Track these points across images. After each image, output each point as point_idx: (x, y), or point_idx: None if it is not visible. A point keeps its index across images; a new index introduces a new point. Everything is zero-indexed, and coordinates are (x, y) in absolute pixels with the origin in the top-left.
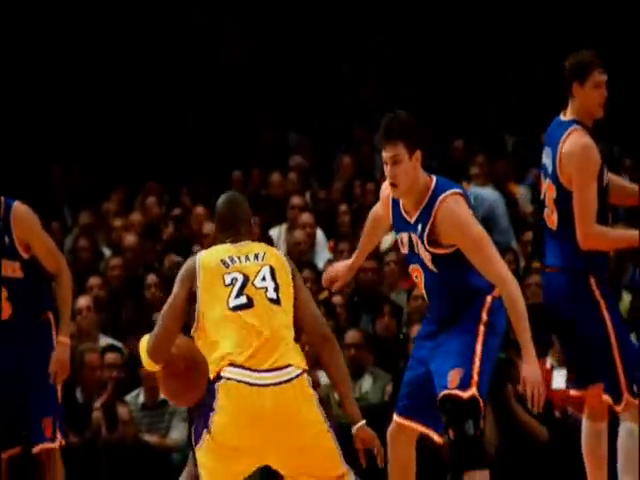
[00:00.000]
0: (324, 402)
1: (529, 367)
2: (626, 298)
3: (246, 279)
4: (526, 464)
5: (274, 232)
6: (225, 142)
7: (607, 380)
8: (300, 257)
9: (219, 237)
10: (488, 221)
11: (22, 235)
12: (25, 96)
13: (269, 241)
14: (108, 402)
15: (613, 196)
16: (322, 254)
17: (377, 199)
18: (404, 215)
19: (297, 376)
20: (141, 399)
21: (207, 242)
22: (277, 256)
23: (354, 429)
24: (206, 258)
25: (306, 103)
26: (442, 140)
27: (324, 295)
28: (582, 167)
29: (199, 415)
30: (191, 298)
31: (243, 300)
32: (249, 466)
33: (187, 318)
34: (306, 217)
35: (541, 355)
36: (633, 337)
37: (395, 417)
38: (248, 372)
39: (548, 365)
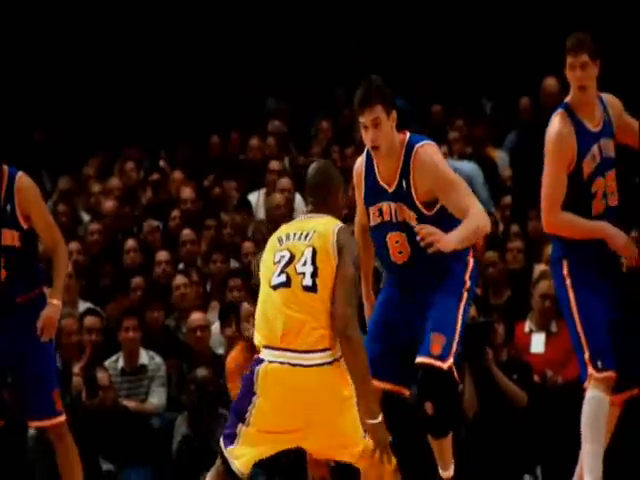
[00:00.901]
0: None
1: (449, 236)
2: None
3: (291, 258)
4: (505, 428)
5: (253, 197)
6: (204, 107)
7: (578, 356)
8: (280, 221)
9: (306, 202)
10: None
11: (24, 205)
12: (4, 61)
13: (247, 206)
14: (87, 366)
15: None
16: None
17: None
18: (382, 185)
19: (337, 360)
20: (120, 364)
21: (185, 207)
22: (324, 236)
23: (366, 424)
24: (272, 236)
25: (285, 68)
26: (421, 104)
27: None
28: (549, 152)
29: (234, 410)
30: None
31: (283, 279)
32: (282, 447)
33: None
34: (285, 182)
35: (520, 319)
36: None
37: None
38: (288, 353)
39: (527, 329)
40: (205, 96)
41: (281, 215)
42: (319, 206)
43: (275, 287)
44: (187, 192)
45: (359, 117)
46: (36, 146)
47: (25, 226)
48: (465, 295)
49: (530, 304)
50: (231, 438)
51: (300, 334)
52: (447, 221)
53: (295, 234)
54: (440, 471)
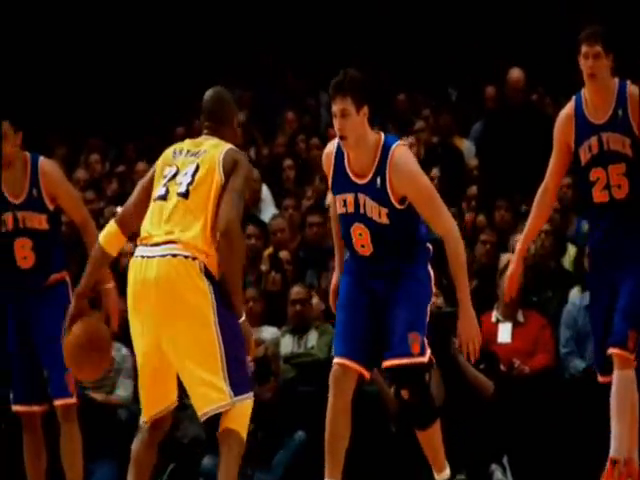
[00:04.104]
0: (270, 357)
1: (465, 322)
2: (571, 250)
3: (176, 173)
4: (472, 418)
5: None
6: (169, 98)
7: None
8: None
9: (201, 126)
10: None
11: (49, 188)
12: None
13: None
14: None
15: None
16: (268, 210)
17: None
18: (352, 177)
19: (186, 257)
20: None
21: None
22: (211, 154)
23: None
24: (168, 149)
25: (249, 58)
26: (385, 93)
27: (269, 251)
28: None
29: None
30: None
31: (162, 192)
32: (153, 347)
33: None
34: None
35: (487, 309)
36: (577, 289)
37: (339, 360)
38: (143, 247)
39: (493, 319)
40: (170, 86)
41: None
42: (214, 130)
43: (155, 199)
44: None
45: (332, 104)
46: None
47: (51, 207)
48: (431, 287)
49: (497, 294)
50: None
51: (158, 231)
52: (416, 213)
53: (189, 151)
54: (435, 475)
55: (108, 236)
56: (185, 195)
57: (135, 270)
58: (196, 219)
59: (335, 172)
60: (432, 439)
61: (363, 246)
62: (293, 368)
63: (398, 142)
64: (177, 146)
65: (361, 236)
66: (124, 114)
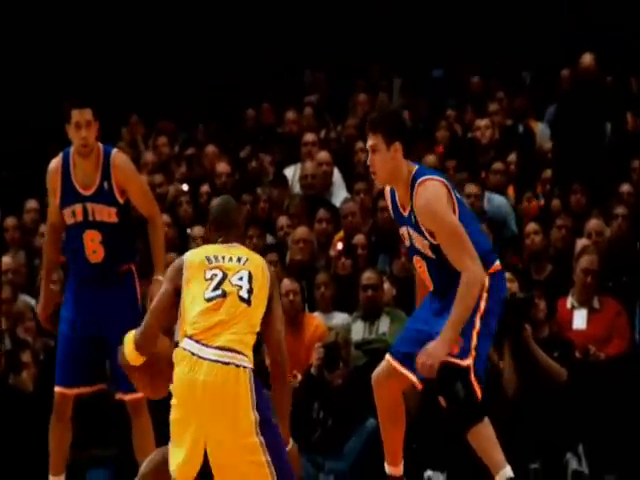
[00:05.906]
0: (340, 344)
1: (437, 345)
2: None
3: (224, 276)
4: (546, 405)
5: (289, 171)
6: (239, 81)
7: None
8: (310, 191)
9: (211, 237)
10: (498, 224)
11: (120, 181)
12: (32, 34)
13: (283, 180)
14: None
15: None
16: (339, 193)
17: None
18: (400, 210)
19: (238, 366)
20: None
21: (220, 181)
22: (258, 264)
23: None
24: (191, 257)
25: (321, 38)
26: (459, 77)
27: (340, 235)
28: None
29: None
30: (177, 294)
31: (218, 292)
32: (197, 443)
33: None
34: (323, 155)
35: (562, 295)
36: None
37: (387, 356)
38: (196, 344)
39: (569, 305)
40: (239, 69)
41: (311, 185)
42: (226, 238)
43: (209, 299)
44: (222, 166)
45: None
46: None
47: (121, 200)
48: (483, 305)
49: (572, 279)
50: None
51: (216, 331)
52: None
53: (224, 257)
54: (495, 477)
55: (131, 352)
56: (248, 302)
57: (183, 365)
58: (251, 328)
59: (392, 207)
60: (478, 442)
61: (426, 279)
62: (364, 354)
63: (424, 177)
64: (206, 252)
65: (420, 269)
66: (194, 97)
